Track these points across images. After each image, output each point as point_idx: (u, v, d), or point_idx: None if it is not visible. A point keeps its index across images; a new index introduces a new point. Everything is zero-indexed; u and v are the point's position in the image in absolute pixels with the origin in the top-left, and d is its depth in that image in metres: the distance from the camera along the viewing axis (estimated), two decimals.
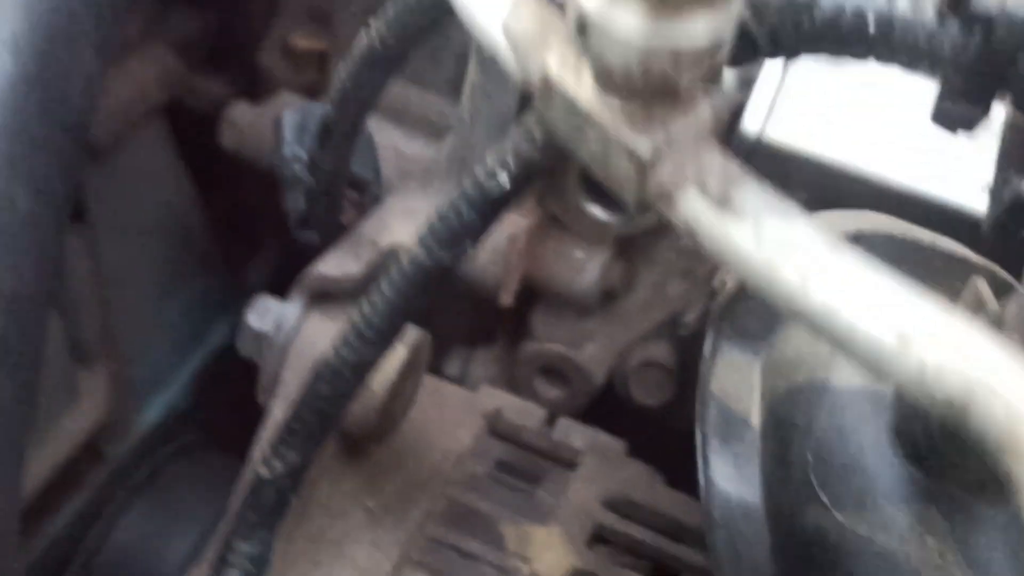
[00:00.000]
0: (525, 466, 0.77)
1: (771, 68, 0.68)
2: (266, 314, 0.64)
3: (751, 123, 0.67)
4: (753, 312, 0.54)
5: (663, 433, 0.84)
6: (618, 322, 0.91)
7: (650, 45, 0.32)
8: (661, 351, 0.88)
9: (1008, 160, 0.39)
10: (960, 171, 0.62)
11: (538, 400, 0.91)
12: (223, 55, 1.07)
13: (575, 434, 0.86)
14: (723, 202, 0.35)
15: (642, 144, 0.35)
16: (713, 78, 0.35)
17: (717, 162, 0.35)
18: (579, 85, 0.37)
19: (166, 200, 1.12)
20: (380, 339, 0.50)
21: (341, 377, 0.50)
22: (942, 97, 0.40)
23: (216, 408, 1.13)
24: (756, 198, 0.35)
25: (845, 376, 0.48)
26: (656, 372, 0.88)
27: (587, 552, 0.69)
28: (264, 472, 0.53)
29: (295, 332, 0.62)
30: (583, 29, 0.33)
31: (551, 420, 0.87)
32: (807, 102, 0.67)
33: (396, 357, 0.62)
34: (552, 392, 0.94)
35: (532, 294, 0.94)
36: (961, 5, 0.37)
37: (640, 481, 0.79)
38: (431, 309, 0.99)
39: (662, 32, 0.32)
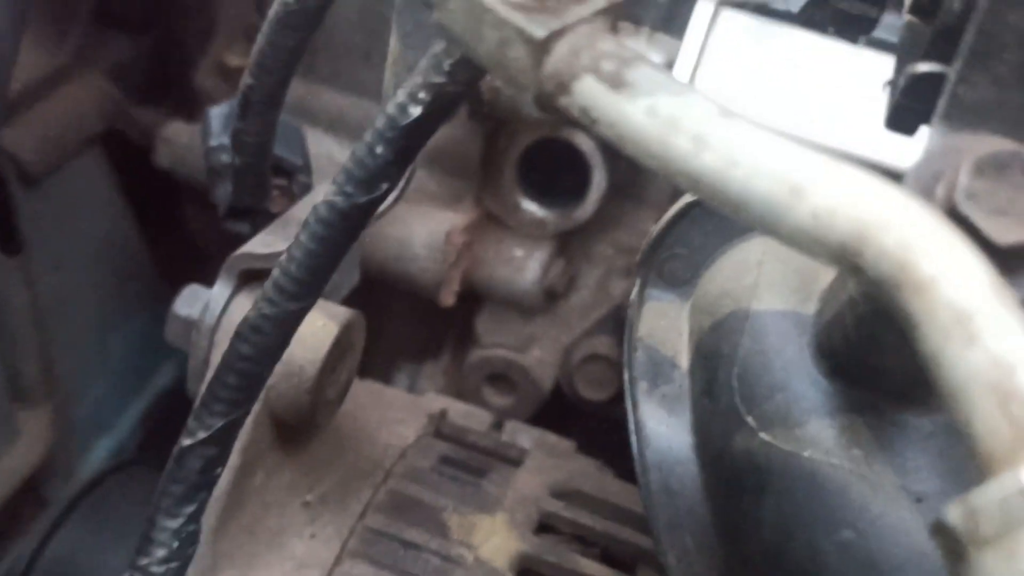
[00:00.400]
0: (470, 461, 0.76)
1: (693, 38, 0.69)
2: (194, 301, 0.62)
3: None
4: (679, 258, 0.54)
5: (612, 428, 0.83)
6: (563, 324, 0.91)
7: None
8: (604, 344, 0.87)
9: (905, 57, 0.40)
10: (880, 129, 0.62)
11: (487, 409, 0.90)
12: (160, 81, 1.08)
13: (522, 435, 0.85)
14: (617, 83, 0.35)
15: (536, 28, 0.35)
16: None
17: (611, 46, 0.35)
18: None
19: (106, 231, 1.11)
20: (301, 291, 0.49)
21: (262, 334, 0.49)
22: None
23: (166, 452, 1.10)
24: (649, 77, 0.35)
25: (766, 302, 0.47)
26: (601, 366, 0.87)
27: (533, 538, 0.68)
28: (187, 441, 0.51)
29: (223, 314, 0.60)
30: None
31: (499, 425, 0.86)
32: (728, 69, 0.68)
33: (326, 334, 0.61)
34: (500, 400, 0.93)
35: (476, 301, 0.93)
36: None
37: (588, 473, 0.78)
38: (378, 322, 0.98)
39: None
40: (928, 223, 0.29)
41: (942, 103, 0.36)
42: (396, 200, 0.65)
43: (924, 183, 0.35)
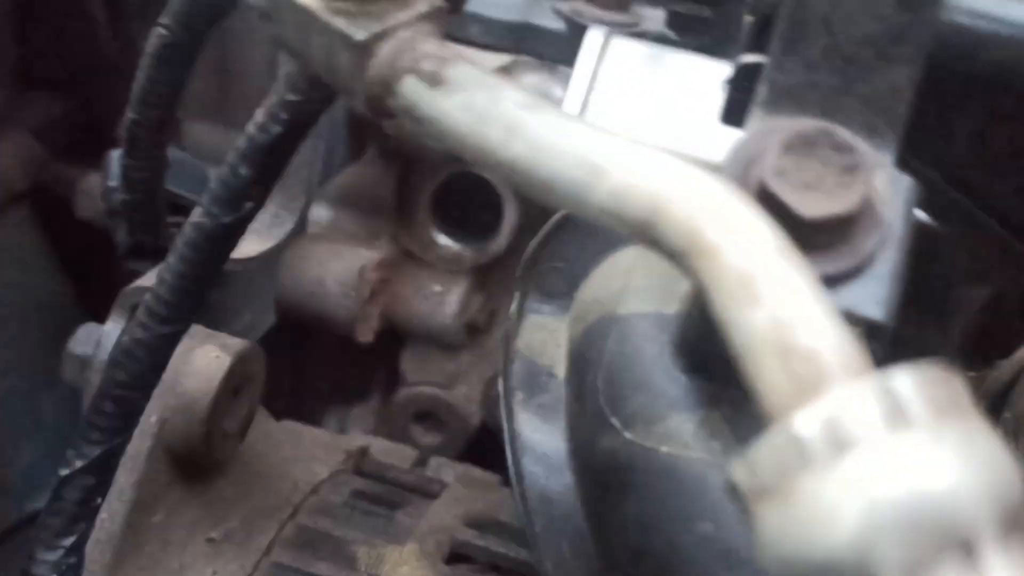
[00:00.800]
0: (385, 495, 0.75)
1: (583, 67, 0.70)
2: (88, 339, 0.62)
3: None
4: (556, 271, 0.54)
5: None
6: (487, 359, 0.91)
7: None
8: None
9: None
10: None
11: (416, 447, 0.89)
12: (86, 137, 1.08)
13: (446, 470, 0.85)
14: (436, 81, 0.35)
15: (357, 32, 0.36)
16: None
17: (432, 47, 0.36)
18: None
19: (34, 288, 1.11)
20: (171, 314, 0.49)
21: (135, 359, 0.49)
22: (670, 2, 0.42)
23: None
24: (466, 75, 0.35)
25: (631, 306, 0.48)
26: None
27: (443, 567, 0.67)
28: (64, 470, 0.51)
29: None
30: None
31: (423, 461, 0.86)
32: (620, 95, 0.69)
33: (219, 365, 0.60)
34: (429, 438, 0.93)
35: (402, 341, 0.94)
36: None
37: (507, 503, 0.78)
38: (305, 366, 0.97)
39: None
40: (716, 195, 0.30)
41: (760, 89, 0.37)
42: (294, 233, 0.65)
43: (741, 164, 0.35)
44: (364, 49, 0.36)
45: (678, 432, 0.43)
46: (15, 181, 1.03)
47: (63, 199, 1.07)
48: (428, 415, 0.92)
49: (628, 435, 0.44)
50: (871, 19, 0.36)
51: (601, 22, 0.78)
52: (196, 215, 0.47)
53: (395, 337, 0.93)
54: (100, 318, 1.16)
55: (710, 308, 0.30)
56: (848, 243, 0.35)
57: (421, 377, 0.92)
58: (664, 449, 0.43)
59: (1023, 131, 0.39)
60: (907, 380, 0.26)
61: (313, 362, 0.97)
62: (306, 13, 0.37)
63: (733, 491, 0.28)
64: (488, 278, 0.90)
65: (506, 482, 0.84)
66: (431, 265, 0.88)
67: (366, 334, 0.86)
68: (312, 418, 0.98)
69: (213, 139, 0.91)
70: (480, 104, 0.34)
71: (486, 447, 0.95)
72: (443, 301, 0.88)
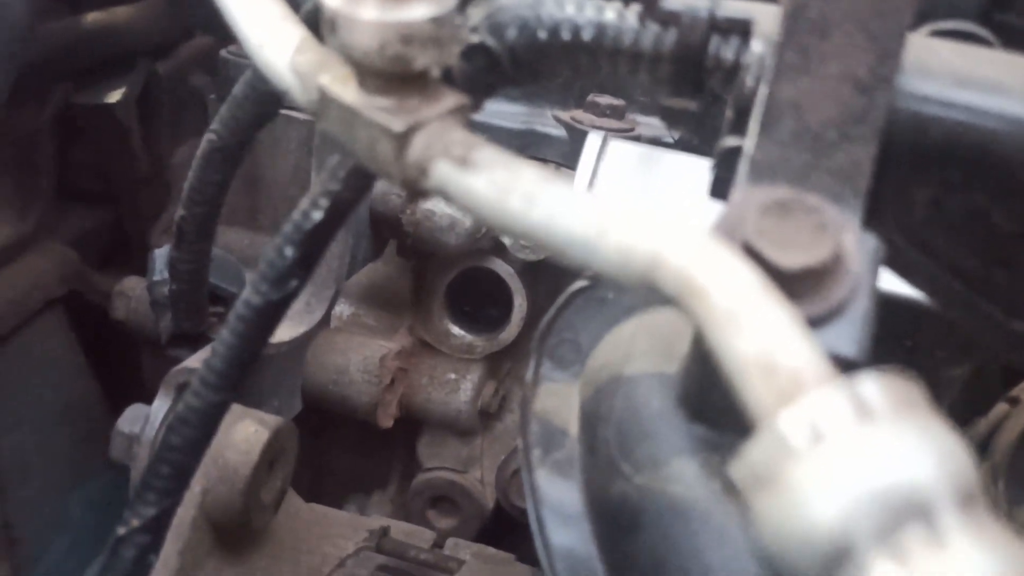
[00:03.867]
0: (407, 571, 0.79)
1: (584, 166, 0.77)
2: (136, 418, 0.67)
3: None
4: (567, 342, 0.60)
5: None
6: (500, 443, 0.96)
7: (382, 27, 0.40)
8: None
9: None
10: None
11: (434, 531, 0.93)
12: (119, 247, 1.15)
13: (463, 550, 0.88)
14: (464, 163, 0.42)
15: (396, 124, 0.43)
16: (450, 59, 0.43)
17: (460, 135, 0.43)
18: (347, 91, 0.44)
19: (66, 389, 1.16)
20: (223, 383, 0.54)
21: (189, 425, 0.54)
22: (662, 98, 0.48)
23: None
24: (490, 156, 0.42)
25: (636, 367, 0.53)
26: None
27: None
28: (122, 530, 0.55)
29: (162, 426, 0.65)
30: (333, 26, 0.41)
31: (440, 542, 0.90)
32: (618, 191, 0.76)
33: (257, 438, 0.65)
34: (445, 522, 0.97)
35: (418, 430, 0.98)
36: (652, 7, 0.46)
37: None
38: (326, 456, 1.02)
39: (389, 15, 0.40)
40: (704, 247, 0.36)
41: (741, 167, 0.43)
42: (323, 321, 0.71)
43: (728, 227, 0.41)
44: (402, 138, 0.42)
45: (682, 474, 0.48)
46: (52, 288, 1.10)
47: (94, 305, 1.13)
48: (444, 499, 0.96)
49: (637, 479, 0.49)
50: (834, 104, 0.42)
51: (599, 129, 0.85)
52: (247, 293, 0.53)
53: (412, 426, 0.97)
54: None
55: (704, 342, 0.35)
56: (823, 292, 0.40)
57: (437, 462, 0.96)
58: (670, 489, 0.48)
59: (973, 198, 0.45)
60: (871, 384, 0.31)
61: (334, 450, 1.01)
62: (351, 110, 0.44)
63: (732, 490, 0.33)
64: (499, 366, 0.95)
65: (521, 559, 0.88)
66: (446, 355, 0.93)
67: (386, 420, 0.90)
68: (332, 504, 1.02)
69: (242, 242, 0.97)
70: (502, 180, 0.40)
71: (501, 530, 0.98)
72: (458, 388, 0.93)
